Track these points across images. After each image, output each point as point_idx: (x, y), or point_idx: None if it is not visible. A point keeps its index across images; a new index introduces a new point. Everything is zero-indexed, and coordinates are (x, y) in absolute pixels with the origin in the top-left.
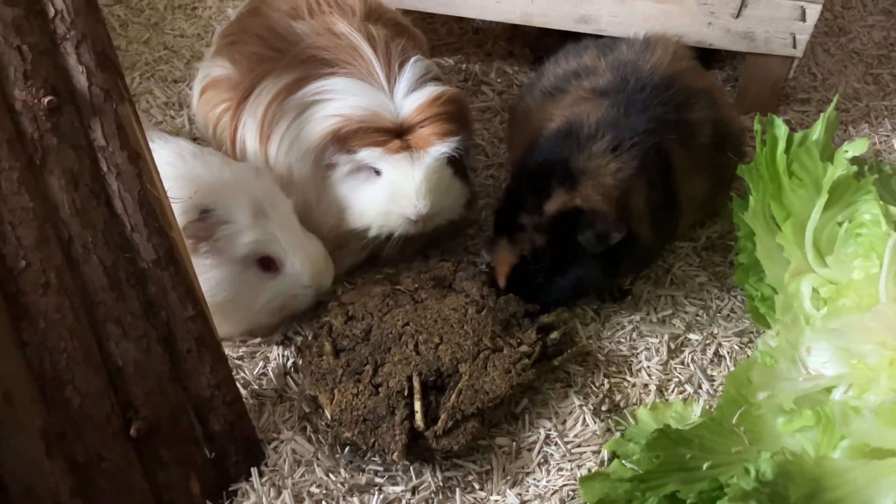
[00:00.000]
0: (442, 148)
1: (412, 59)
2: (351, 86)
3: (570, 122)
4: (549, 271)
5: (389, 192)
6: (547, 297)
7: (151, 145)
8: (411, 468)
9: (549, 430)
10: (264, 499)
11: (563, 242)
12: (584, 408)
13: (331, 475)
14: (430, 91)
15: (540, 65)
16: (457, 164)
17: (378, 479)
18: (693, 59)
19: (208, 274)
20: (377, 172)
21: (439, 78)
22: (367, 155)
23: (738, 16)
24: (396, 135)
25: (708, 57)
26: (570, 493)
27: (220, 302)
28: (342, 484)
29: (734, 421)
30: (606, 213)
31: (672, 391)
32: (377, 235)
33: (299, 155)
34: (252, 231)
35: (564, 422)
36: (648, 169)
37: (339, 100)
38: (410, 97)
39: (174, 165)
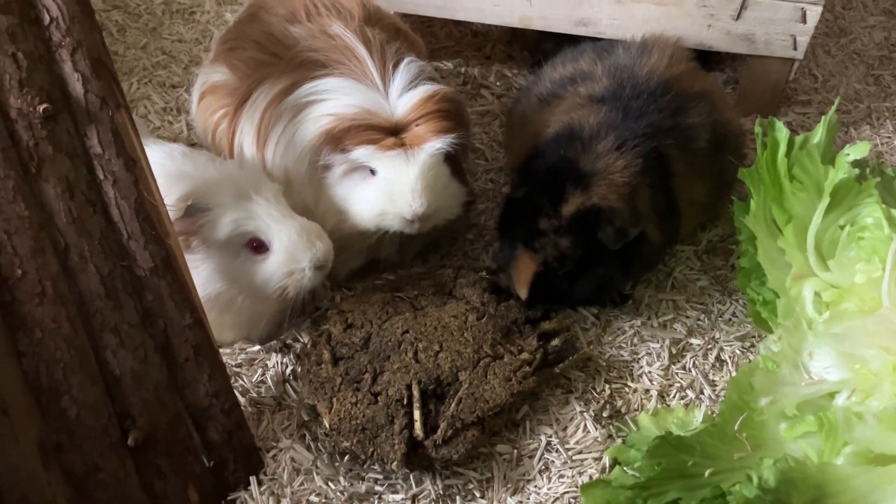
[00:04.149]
0: (437, 143)
1: (406, 60)
2: (344, 85)
3: (571, 125)
4: (572, 274)
5: (385, 192)
6: (570, 300)
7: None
8: (411, 476)
9: (550, 436)
10: None
11: (583, 243)
12: (585, 414)
13: (330, 483)
14: (425, 89)
15: (538, 68)
16: (454, 164)
17: (378, 488)
18: (691, 60)
19: (201, 267)
20: (372, 172)
21: (434, 79)
22: (361, 153)
23: (738, 18)
24: (391, 133)
25: (708, 59)
26: (572, 500)
27: (217, 294)
28: (342, 492)
29: (736, 427)
30: (623, 209)
31: (674, 396)
32: (376, 237)
33: (295, 157)
34: (232, 212)
35: (565, 428)
36: (650, 172)
37: (332, 99)
38: (405, 96)
39: (163, 164)
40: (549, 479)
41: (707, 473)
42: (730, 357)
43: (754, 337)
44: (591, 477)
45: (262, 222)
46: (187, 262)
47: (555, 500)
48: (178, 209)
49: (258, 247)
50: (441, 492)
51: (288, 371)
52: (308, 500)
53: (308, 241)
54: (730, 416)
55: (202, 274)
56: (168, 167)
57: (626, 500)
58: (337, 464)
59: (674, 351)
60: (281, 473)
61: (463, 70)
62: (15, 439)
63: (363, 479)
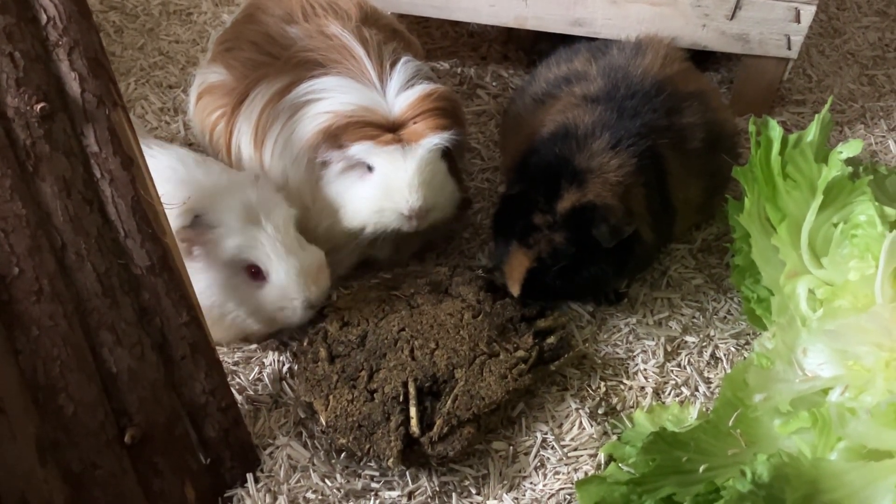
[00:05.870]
0: (434, 140)
1: (403, 60)
2: (341, 84)
3: (566, 124)
4: (566, 270)
5: (382, 188)
6: (563, 297)
7: (152, 152)
8: (408, 473)
9: (546, 433)
10: None
11: (577, 239)
12: (580, 411)
13: (326, 481)
14: (422, 88)
15: (534, 68)
16: (450, 164)
17: (374, 485)
18: (685, 60)
19: (199, 277)
20: (370, 168)
21: (431, 78)
22: (359, 149)
23: (732, 17)
24: (389, 130)
25: (703, 58)
26: (567, 496)
27: (209, 306)
28: (338, 489)
29: (730, 423)
30: (617, 207)
31: (669, 394)
32: (372, 234)
33: (292, 156)
34: (237, 236)
35: (561, 425)
36: (644, 171)
37: (330, 98)
38: (402, 95)
39: (175, 169)
40: (545, 475)
41: (701, 469)
42: (724, 354)
43: (749, 334)
44: (586, 473)
45: (264, 253)
46: (188, 272)
47: (550, 497)
48: (185, 217)
49: (256, 273)
50: (437, 488)
51: (284, 369)
52: (304, 497)
53: (305, 282)
54: (724, 413)
55: (199, 284)
56: (180, 173)
57: (621, 495)
58: (333, 461)
59: (669, 348)
60: (278, 470)
61: (459, 70)
62: (12, 437)
63: (360, 475)
